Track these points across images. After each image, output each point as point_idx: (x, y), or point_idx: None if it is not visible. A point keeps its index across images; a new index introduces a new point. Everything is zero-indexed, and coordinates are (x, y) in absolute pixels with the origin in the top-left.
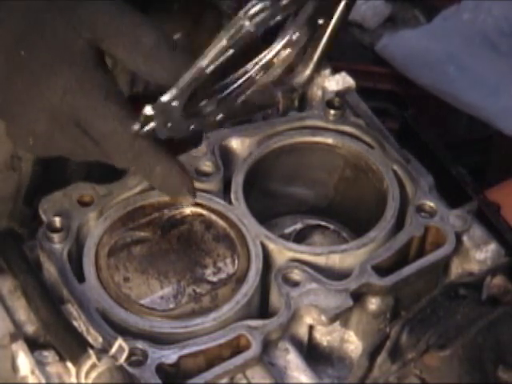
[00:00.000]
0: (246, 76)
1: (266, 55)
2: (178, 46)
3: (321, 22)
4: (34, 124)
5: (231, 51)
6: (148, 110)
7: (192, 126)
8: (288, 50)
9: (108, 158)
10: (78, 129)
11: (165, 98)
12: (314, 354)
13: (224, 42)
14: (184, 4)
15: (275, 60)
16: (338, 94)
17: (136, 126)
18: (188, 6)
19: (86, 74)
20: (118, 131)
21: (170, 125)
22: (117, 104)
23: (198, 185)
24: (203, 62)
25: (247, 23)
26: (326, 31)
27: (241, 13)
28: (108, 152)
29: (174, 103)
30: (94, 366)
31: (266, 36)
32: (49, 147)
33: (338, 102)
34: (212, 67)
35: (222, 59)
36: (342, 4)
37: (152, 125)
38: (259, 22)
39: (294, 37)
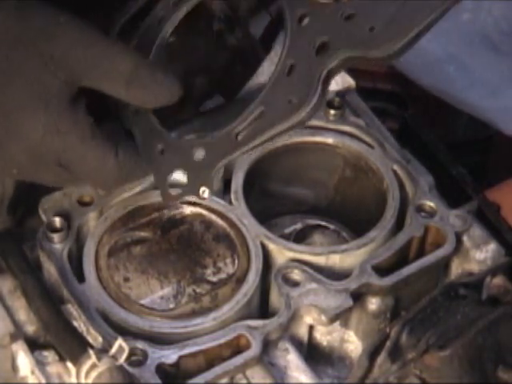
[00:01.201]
0: None
1: None
2: (158, 65)
3: None
4: (16, 161)
5: None
6: None
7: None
8: None
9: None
10: (60, 167)
11: None
12: (314, 354)
13: None
14: None
15: None
16: (338, 93)
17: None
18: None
19: (62, 116)
20: (98, 169)
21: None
22: (94, 141)
23: None
24: None
25: None
26: None
27: None
28: (92, 184)
29: None
30: (93, 366)
31: (264, 45)
32: (33, 178)
33: (338, 101)
34: None
35: None
36: None
37: None
38: None
39: None
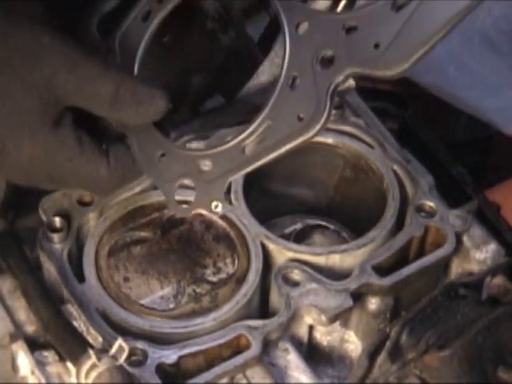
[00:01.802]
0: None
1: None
2: (140, 83)
3: None
4: (12, 176)
5: None
6: None
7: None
8: None
9: None
10: (53, 182)
11: None
12: (314, 354)
13: None
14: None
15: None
16: (338, 93)
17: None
18: (177, 9)
19: (48, 139)
20: (91, 180)
21: None
22: (83, 157)
23: None
24: None
25: None
26: None
27: None
28: (88, 191)
29: None
30: (94, 366)
31: (263, 46)
32: (32, 186)
33: (338, 102)
34: None
35: None
36: (342, 4)
37: None
38: None
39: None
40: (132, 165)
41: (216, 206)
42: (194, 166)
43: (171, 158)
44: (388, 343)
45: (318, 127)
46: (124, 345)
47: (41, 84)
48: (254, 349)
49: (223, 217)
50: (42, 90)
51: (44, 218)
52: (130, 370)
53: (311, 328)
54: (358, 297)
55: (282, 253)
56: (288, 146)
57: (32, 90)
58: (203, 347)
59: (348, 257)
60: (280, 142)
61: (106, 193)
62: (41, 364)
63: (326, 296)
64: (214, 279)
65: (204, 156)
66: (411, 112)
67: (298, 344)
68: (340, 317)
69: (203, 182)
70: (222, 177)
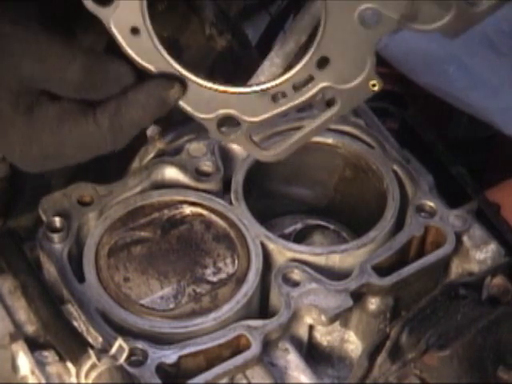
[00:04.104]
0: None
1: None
2: (109, 57)
3: None
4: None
5: None
6: None
7: None
8: None
9: None
10: (58, 159)
11: None
12: (314, 354)
13: None
14: (170, 6)
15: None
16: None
17: None
18: (173, 8)
19: (27, 124)
20: (84, 144)
21: None
22: (68, 124)
23: (198, 185)
24: None
25: None
26: None
27: None
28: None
29: None
30: (93, 366)
31: (263, 46)
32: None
33: None
34: None
35: None
36: None
37: None
38: None
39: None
40: (123, 117)
41: None
42: None
43: None
44: (388, 343)
45: None
46: (124, 345)
47: (9, 75)
48: (254, 349)
49: (223, 217)
50: (11, 81)
51: (44, 217)
52: (130, 369)
53: (311, 328)
54: (358, 297)
55: (281, 253)
56: None
57: (1, 82)
58: (203, 347)
59: (348, 257)
60: None
61: (106, 150)
62: (41, 364)
63: (326, 296)
64: (214, 279)
65: None
66: (411, 112)
67: (297, 344)
68: (340, 317)
69: None
70: None
